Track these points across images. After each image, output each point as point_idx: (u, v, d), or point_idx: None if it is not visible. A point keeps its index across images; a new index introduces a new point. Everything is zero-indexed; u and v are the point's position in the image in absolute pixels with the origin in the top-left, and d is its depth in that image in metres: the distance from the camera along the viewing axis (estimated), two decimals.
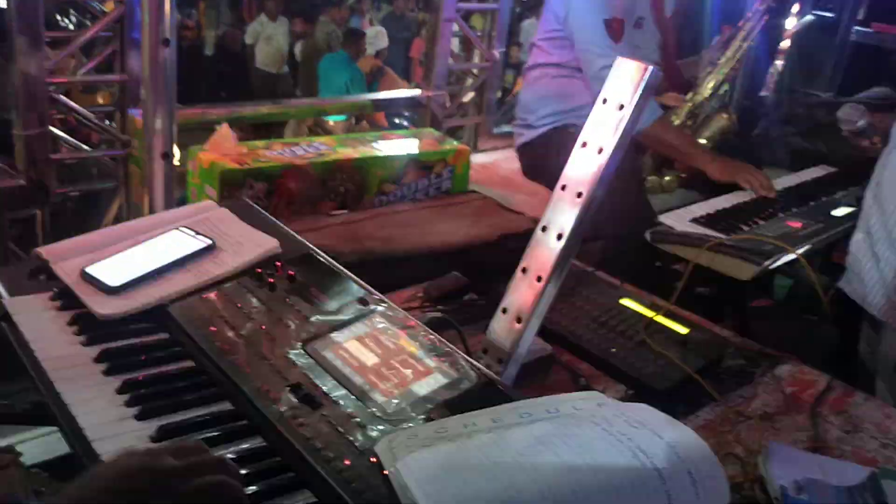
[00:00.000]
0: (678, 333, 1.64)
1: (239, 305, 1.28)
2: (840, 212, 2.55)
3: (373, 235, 2.17)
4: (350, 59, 7.60)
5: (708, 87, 2.93)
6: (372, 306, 1.25)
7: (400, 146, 2.55)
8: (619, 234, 2.54)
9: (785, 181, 2.76)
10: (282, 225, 1.51)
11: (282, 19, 8.60)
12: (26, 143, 2.07)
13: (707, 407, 1.48)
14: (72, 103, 2.10)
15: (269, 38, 8.50)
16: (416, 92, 3.01)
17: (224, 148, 2.28)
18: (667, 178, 3.02)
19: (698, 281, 2.74)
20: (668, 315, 1.71)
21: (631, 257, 2.54)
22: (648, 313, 1.71)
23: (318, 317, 1.23)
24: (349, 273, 1.36)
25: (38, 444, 1.57)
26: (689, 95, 2.98)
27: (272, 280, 1.32)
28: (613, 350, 1.58)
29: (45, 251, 1.42)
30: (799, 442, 1.41)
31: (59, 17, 4.60)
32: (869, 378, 2.10)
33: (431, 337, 1.18)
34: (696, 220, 2.33)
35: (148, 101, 1.84)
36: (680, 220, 2.31)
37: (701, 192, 2.93)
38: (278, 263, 1.36)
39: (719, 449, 1.27)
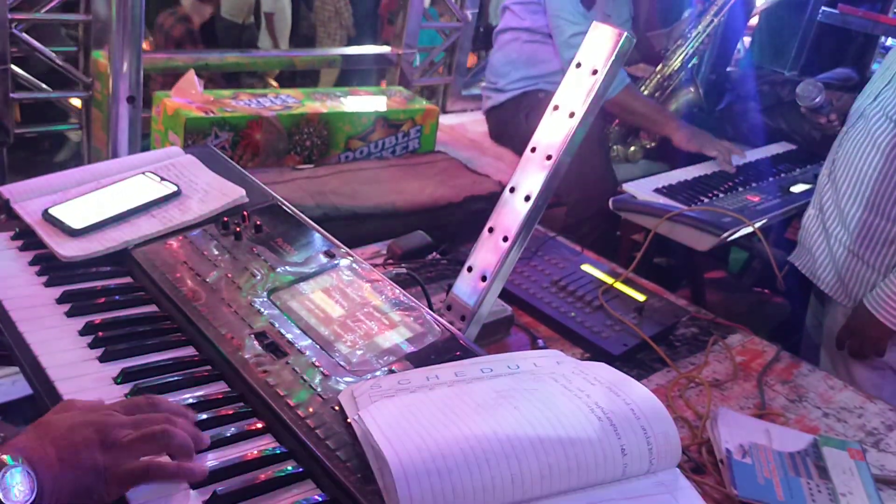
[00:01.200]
0: (635, 300, 1.68)
1: (204, 253, 1.27)
2: (798, 188, 2.61)
3: (338, 191, 2.17)
4: None
5: (678, 60, 2.96)
6: (338, 259, 1.26)
7: (368, 103, 2.54)
8: (582, 200, 2.57)
9: (747, 156, 2.81)
10: (248, 174, 1.50)
11: None
12: None
13: (660, 372, 1.53)
14: (34, 41, 2.04)
15: None
16: (386, 49, 2.98)
17: (190, 95, 2.25)
18: (632, 149, 3.05)
19: (658, 250, 2.80)
20: (626, 282, 1.75)
21: (593, 224, 2.58)
22: (608, 280, 1.75)
23: (285, 267, 1.23)
24: (316, 225, 1.37)
25: None
26: (659, 67, 3.01)
27: (238, 229, 1.32)
28: (572, 315, 1.61)
29: (5, 190, 1.40)
30: (746, 408, 1.46)
31: None
32: (814, 350, 2.17)
33: (397, 292, 1.20)
34: (658, 191, 2.37)
35: (114, 43, 1.80)
36: (643, 189, 2.35)
37: (665, 162, 2.97)
38: (245, 213, 1.36)
39: (670, 413, 1.32)
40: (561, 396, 0.89)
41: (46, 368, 1.01)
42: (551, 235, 1.95)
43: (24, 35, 2.05)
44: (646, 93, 2.98)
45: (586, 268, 1.80)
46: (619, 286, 1.73)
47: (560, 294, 1.69)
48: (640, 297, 1.68)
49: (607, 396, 0.90)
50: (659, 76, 3.00)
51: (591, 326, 1.58)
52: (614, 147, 3.04)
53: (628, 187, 2.35)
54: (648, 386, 1.47)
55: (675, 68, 2.98)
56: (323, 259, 1.27)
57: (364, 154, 2.50)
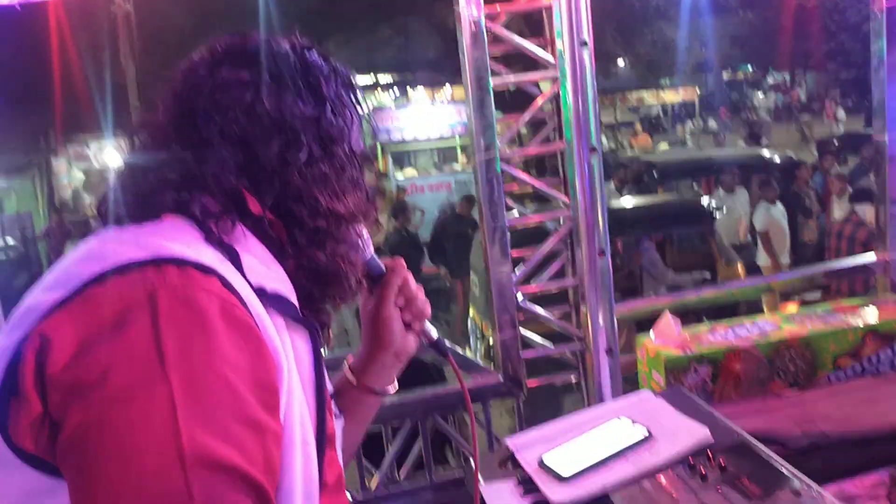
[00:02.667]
0: None
1: (674, 496, 1.35)
2: None
3: (828, 416, 2.06)
4: None
5: None
6: (804, 499, 1.23)
7: (855, 317, 2.41)
8: None
9: None
10: (715, 412, 1.57)
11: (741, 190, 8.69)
12: (502, 344, 2.44)
13: None
14: (537, 308, 2.44)
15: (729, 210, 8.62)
16: (871, 258, 2.83)
17: (668, 335, 2.42)
18: None
19: None
20: None
21: None
22: None
23: None
24: (784, 462, 1.35)
25: None
26: None
27: (704, 471, 1.37)
28: None
29: (510, 442, 1.68)
30: None
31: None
32: None
33: None
34: None
35: (590, 302, 2.08)
36: None
37: None
38: (710, 453, 1.41)
39: None
40: None
41: None
42: None
43: (530, 304, 2.47)
44: None
45: None
46: None
47: None
48: None
49: None
50: None
51: None
52: None
53: None
54: None
55: None
56: (791, 499, 1.24)
57: (856, 372, 2.35)
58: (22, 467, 0.79)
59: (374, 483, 2.40)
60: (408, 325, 1.25)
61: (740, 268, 6.57)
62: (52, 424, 0.77)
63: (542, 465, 1.55)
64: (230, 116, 0.95)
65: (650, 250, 6.40)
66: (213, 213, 0.92)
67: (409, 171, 16.24)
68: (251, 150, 0.96)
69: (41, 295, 0.84)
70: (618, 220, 6.50)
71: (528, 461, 1.59)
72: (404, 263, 1.23)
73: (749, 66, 30.40)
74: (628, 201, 7.72)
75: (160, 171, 0.93)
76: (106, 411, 0.75)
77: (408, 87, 21.59)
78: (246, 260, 0.92)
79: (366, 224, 1.11)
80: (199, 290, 0.81)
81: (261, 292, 0.89)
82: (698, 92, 26.30)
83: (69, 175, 17.37)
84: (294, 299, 0.99)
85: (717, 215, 7.40)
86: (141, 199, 0.92)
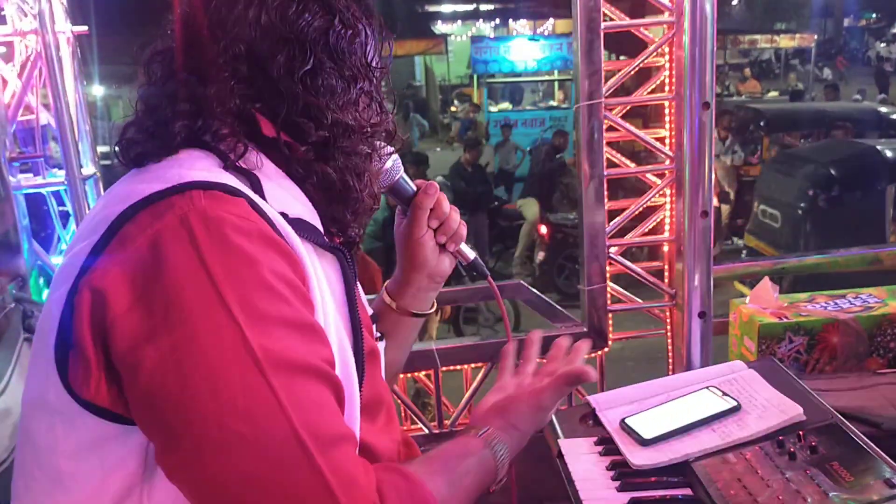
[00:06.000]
0: None
1: (759, 472, 1.32)
2: None
3: None
4: None
5: None
6: None
7: None
8: None
9: None
10: (809, 390, 1.51)
11: None
12: (588, 294, 2.41)
13: None
14: (626, 262, 2.39)
15: None
16: None
17: (765, 301, 2.34)
18: None
19: None
20: None
21: None
22: None
23: (838, 494, 1.21)
24: (877, 449, 1.30)
25: None
26: None
27: (793, 449, 1.33)
28: None
29: (593, 400, 1.67)
30: None
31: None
32: None
33: None
34: None
35: (687, 260, 2.02)
36: None
37: None
38: (801, 432, 1.37)
39: None
40: None
41: None
42: None
43: (620, 258, 2.42)
44: None
45: None
46: None
47: None
48: None
49: None
50: None
51: None
52: None
53: None
54: None
55: None
56: (884, 488, 1.20)
57: None
58: (86, 416, 0.82)
59: (451, 420, 2.44)
60: (442, 247, 1.24)
61: None
62: (113, 375, 0.80)
63: (623, 426, 1.54)
64: (235, 34, 0.93)
65: None
66: (226, 138, 0.92)
67: (504, 105, 16.02)
68: (259, 68, 0.93)
69: (78, 245, 0.85)
70: None
71: (609, 420, 1.58)
72: (437, 185, 1.23)
73: (873, 13, 28.53)
74: None
75: (172, 102, 0.92)
76: (178, 347, 0.77)
77: (509, 18, 21.12)
78: (266, 186, 0.92)
79: (382, 138, 1.08)
80: (227, 209, 0.82)
81: (283, 218, 0.89)
82: (815, 38, 24.89)
83: None
84: (319, 224, 0.99)
85: None
86: (156, 136, 0.92)
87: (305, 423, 0.79)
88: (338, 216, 1.03)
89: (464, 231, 1.25)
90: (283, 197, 0.94)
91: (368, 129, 1.02)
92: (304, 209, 0.97)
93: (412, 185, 1.22)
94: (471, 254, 1.28)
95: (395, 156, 1.18)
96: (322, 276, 0.91)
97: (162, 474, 0.82)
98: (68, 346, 0.80)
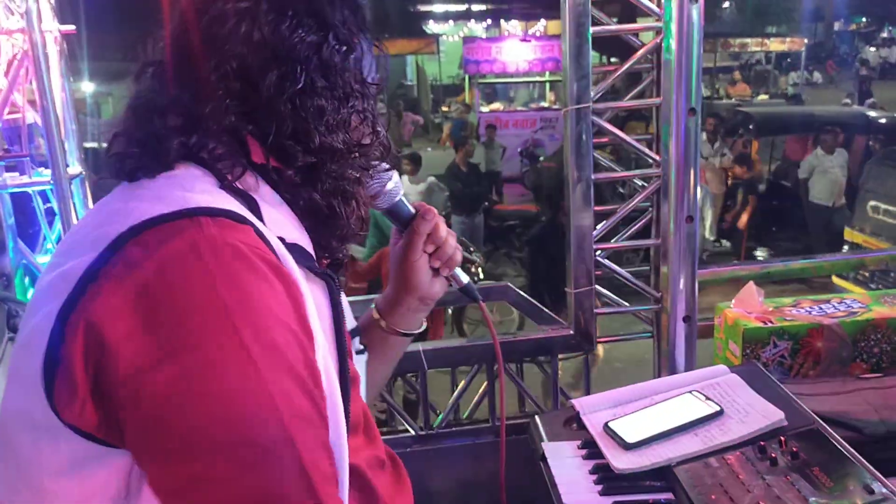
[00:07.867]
0: None
1: (740, 477, 1.33)
2: None
3: None
4: None
5: None
6: (877, 496, 1.19)
7: None
8: None
9: None
10: (791, 395, 1.52)
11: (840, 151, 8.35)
12: (575, 297, 2.41)
13: None
14: (614, 266, 2.39)
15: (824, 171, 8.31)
16: None
17: (749, 305, 2.35)
18: None
19: None
20: None
21: None
22: None
23: (819, 499, 1.22)
24: (858, 455, 1.31)
25: None
26: None
27: (774, 455, 1.34)
28: None
29: (577, 403, 1.67)
30: None
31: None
32: None
33: None
34: None
35: (672, 265, 2.03)
36: None
37: None
38: (782, 437, 1.38)
39: None
40: None
41: None
42: None
43: (606, 261, 2.43)
44: None
45: None
46: None
47: None
48: None
49: None
50: None
51: None
52: None
53: None
54: None
55: None
56: (862, 494, 1.21)
57: None
58: (69, 435, 0.80)
59: (436, 422, 2.44)
60: (436, 271, 1.25)
61: None
62: (101, 400, 0.77)
63: (606, 429, 1.54)
64: (227, 50, 0.90)
65: None
66: (223, 158, 0.90)
67: (495, 105, 16.05)
68: (250, 86, 0.91)
69: (71, 261, 0.82)
70: None
71: (593, 424, 1.59)
72: (435, 210, 1.23)
73: (863, 17, 28.69)
74: None
75: (164, 116, 0.90)
76: (189, 373, 0.76)
77: (501, 19, 21.14)
78: (263, 209, 0.91)
79: (376, 159, 1.06)
80: (237, 238, 0.80)
81: (281, 242, 0.88)
82: (805, 42, 25.00)
83: None
84: (311, 249, 0.98)
85: None
86: (148, 150, 0.89)
87: (312, 461, 0.79)
88: (323, 242, 1.02)
89: (459, 257, 1.26)
90: (280, 221, 0.93)
91: (357, 153, 1.00)
92: (299, 234, 0.96)
93: (411, 208, 1.22)
94: (464, 278, 1.28)
95: (396, 177, 1.18)
96: (312, 301, 0.91)
97: (146, 496, 0.80)
98: (56, 366, 0.77)
